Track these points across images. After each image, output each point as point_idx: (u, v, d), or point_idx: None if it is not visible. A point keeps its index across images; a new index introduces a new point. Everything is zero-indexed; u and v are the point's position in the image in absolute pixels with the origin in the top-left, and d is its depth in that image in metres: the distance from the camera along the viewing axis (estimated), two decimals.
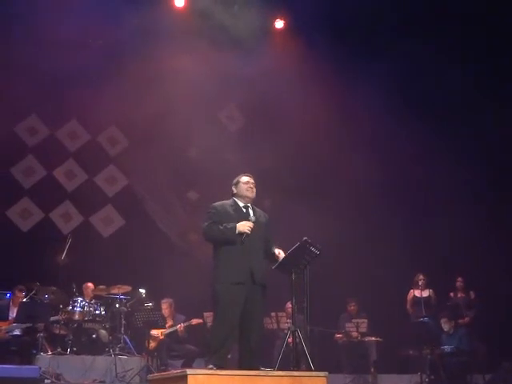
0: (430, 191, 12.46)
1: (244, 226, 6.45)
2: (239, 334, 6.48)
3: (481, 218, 11.49)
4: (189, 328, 10.50)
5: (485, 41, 11.98)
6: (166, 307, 10.73)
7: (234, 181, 6.84)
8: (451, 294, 11.45)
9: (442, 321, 10.74)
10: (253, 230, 6.49)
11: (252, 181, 6.78)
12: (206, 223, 6.57)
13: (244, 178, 6.79)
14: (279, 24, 12.85)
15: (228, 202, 6.73)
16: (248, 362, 6.33)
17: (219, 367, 6.09)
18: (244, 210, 6.67)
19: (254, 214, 6.66)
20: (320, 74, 12.11)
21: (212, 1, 11.77)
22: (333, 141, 12.24)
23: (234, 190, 6.78)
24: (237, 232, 6.45)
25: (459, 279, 11.38)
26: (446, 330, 10.69)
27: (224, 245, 6.50)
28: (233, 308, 6.36)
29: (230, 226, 6.47)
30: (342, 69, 12.05)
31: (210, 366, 6.12)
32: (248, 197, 6.71)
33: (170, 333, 10.49)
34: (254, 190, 6.74)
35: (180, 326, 10.44)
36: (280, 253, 6.66)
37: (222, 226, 6.48)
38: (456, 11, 11.85)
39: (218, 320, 6.46)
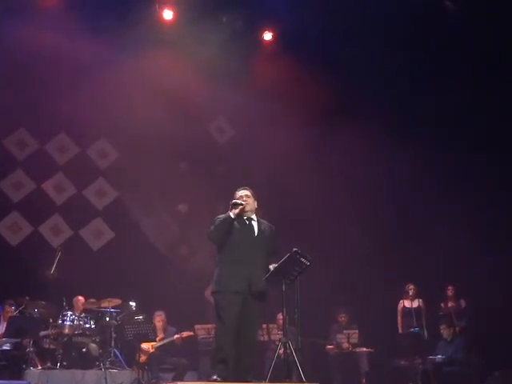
0: (418, 202, 12.45)
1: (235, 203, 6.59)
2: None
3: (471, 228, 11.48)
4: (180, 340, 10.47)
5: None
6: (159, 320, 10.71)
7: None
8: (442, 305, 11.43)
9: (441, 327, 10.72)
10: (256, 241, 6.55)
11: (245, 193, 6.76)
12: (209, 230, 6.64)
13: (236, 193, 6.80)
14: (267, 36, 12.86)
15: None
16: (241, 375, 6.30)
17: (223, 379, 6.07)
18: (247, 222, 6.67)
19: (259, 226, 6.67)
20: (309, 86, 12.12)
21: (200, 13, 11.79)
22: (323, 153, 12.25)
23: None
24: (231, 213, 6.53)
25: (449, 288, 11.36)
26: (444, 336, 10.67)
27: (227, 249, 6.52)
28: (234, 316, 6.38)
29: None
30: (334, 83, 12.09)
31: (214, 378, 6.12)
32: (246, 211, 6.69)
33: (163, 345, 10.44)
34: (250, 201, 6.73)
35: (177, 337, 10.42)
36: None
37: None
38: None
39: (222, 330, 6.47)
